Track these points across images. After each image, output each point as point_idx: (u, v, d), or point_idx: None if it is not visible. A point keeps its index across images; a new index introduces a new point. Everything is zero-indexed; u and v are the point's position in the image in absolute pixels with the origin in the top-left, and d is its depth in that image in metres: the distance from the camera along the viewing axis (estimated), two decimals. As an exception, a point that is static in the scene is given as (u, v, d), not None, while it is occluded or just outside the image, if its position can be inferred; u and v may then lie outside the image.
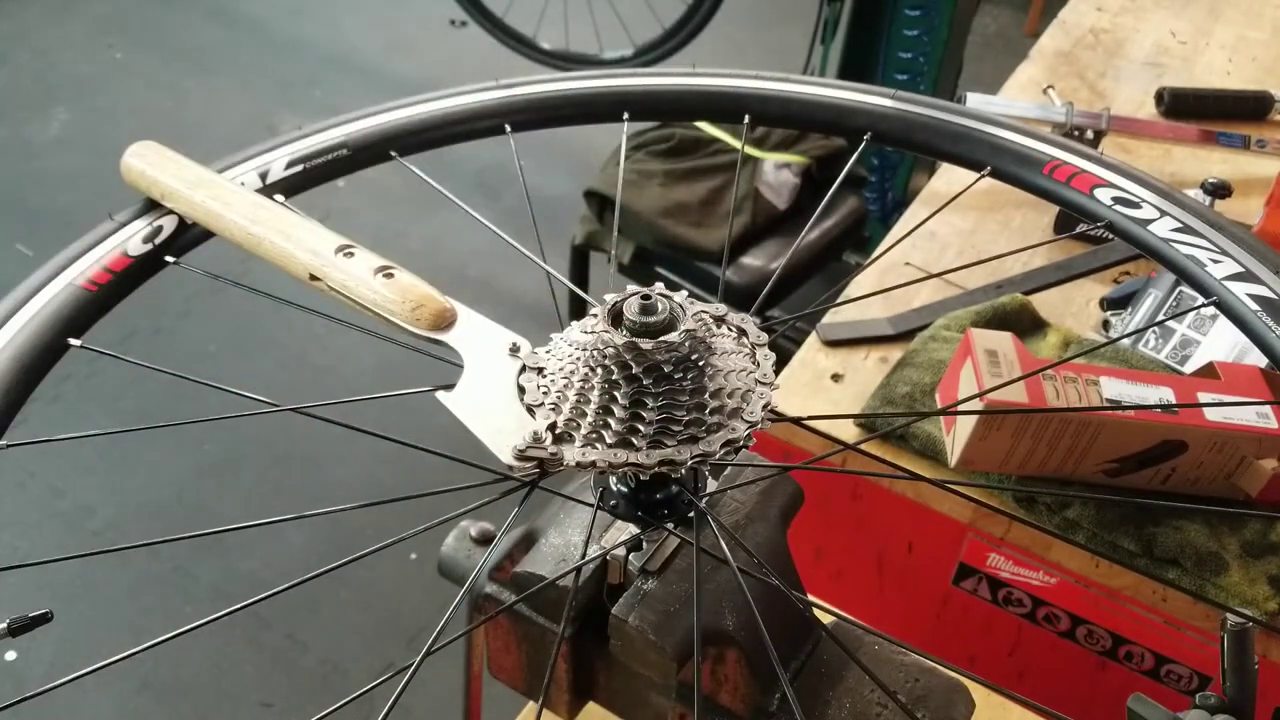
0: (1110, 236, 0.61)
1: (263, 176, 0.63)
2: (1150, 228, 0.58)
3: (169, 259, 0.59)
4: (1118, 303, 1.09)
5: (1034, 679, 1.04)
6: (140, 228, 0.59)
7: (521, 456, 0.47)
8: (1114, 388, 0.85)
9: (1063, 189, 0.61)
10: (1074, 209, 0.61)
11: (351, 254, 0.53)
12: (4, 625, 0.44)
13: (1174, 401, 0.85)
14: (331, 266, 0.53)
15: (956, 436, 0.89)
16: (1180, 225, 0.58)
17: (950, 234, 1.21)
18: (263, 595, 0.46)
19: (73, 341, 0.53)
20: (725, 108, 0.68)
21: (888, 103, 0.66)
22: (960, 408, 0.88)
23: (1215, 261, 0.55)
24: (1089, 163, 0.62)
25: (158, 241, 0.59)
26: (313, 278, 0.53)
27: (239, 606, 0.46)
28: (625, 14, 2.75)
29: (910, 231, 1.15)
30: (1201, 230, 0.57)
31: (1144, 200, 0.59)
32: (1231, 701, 0.42)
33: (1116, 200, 0.59)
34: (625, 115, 0.68)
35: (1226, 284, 0.54)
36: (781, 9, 3.43)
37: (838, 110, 0.67)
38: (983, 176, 0.63)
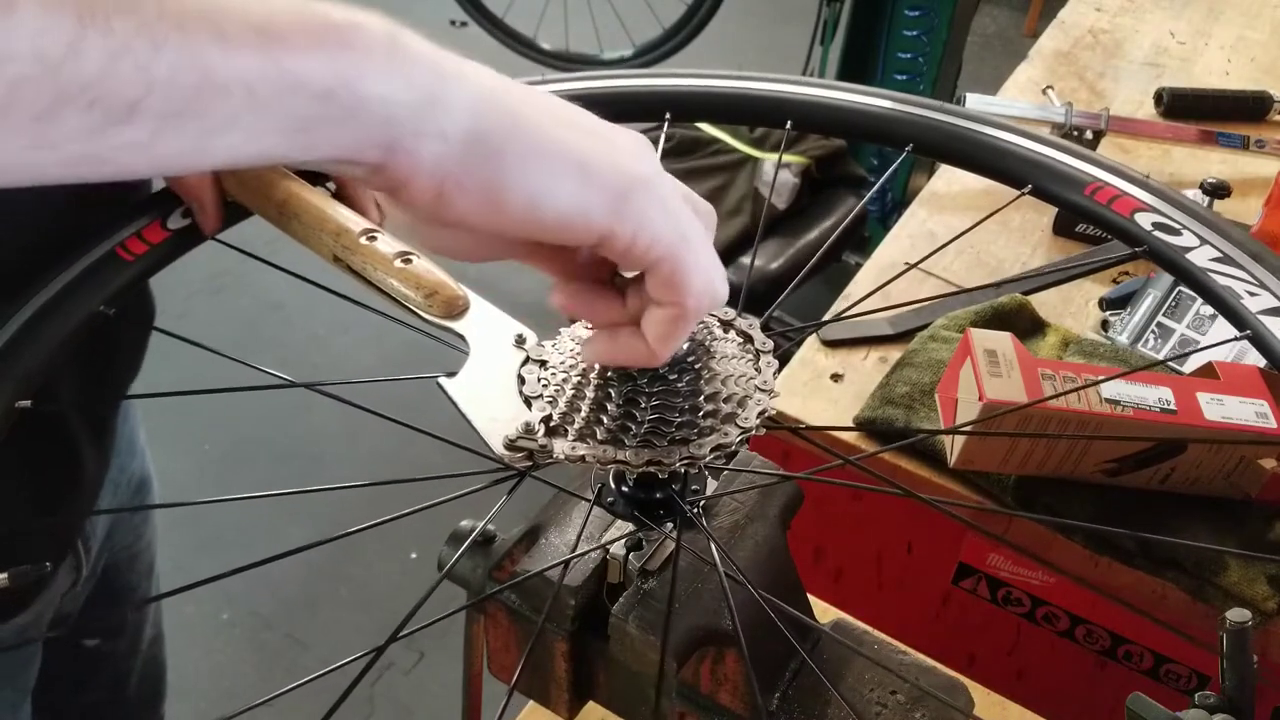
0: (1109, 237, 0.61)
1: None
2: (1189, 256, 0.57)
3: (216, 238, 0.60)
4: (1116, 303, 1.09)
5: (1033, 678, 1.04)
6: (180, 203, 0.60)
7: (511, 446, 0.48)
8: (1113, 388, 0.85)
9: (1103, 211, 0.60)
10: (1114, 231, 0.60)
11: (374, 238, 0.53)
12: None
13: (1173, 401, 0.85)
14: (354, 248, 0.53)
15: (956, 436, 0.90)
16: (1220, 255, 0.57)
17: (949, 234, 1.21)
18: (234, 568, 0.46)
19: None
20: (768, 112, 0.68)
21: (933, 115, 0.65)
22: (960, 427, 0.88)
23: (1252, 294, 0.54)
24: (1133, 186, 0.61)
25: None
26: (335, 259, 0.54)
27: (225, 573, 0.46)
28: (625, 14, 2.75)
29: (945, 245, 1.13)
30: (1241, 261, 0.56)
31: (1185, 227, 0.58)
32: (1231, 701, 0.42)
33: (1157, 226, 0.59)
34: (667, 115, 0.68)
35: (1262, 318, 0.53)
36: (781, 9, 3.43)
37: (882, 120, 0.66)
38: (1023, 194, 0.63)
